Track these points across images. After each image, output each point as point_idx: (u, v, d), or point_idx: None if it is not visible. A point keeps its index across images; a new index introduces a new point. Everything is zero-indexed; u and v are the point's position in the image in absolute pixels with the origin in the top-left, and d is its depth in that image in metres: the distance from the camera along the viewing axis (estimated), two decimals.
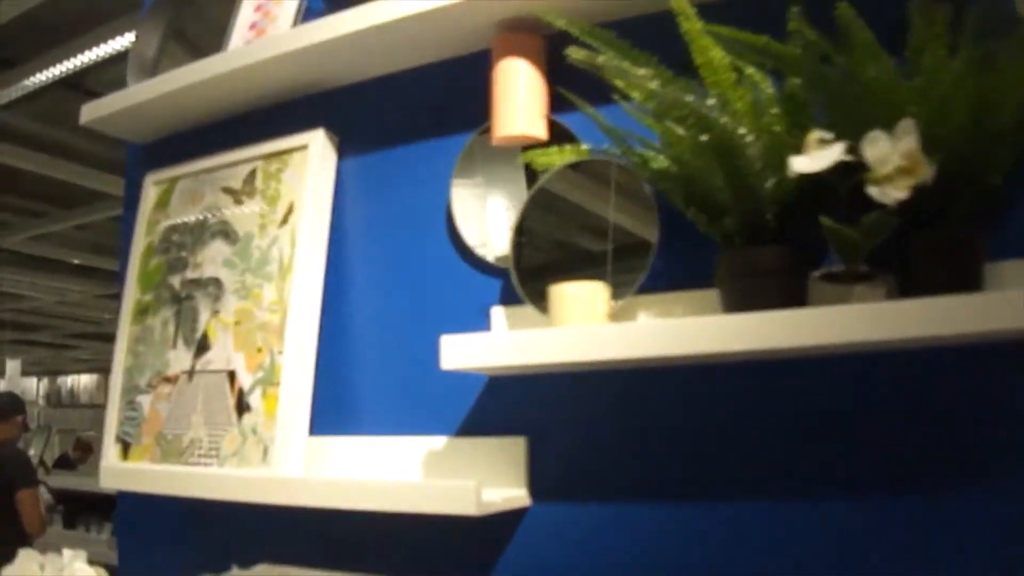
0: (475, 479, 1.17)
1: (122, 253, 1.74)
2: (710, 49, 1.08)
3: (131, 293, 1.65)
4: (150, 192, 1.69)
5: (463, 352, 1.17)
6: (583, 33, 1.17)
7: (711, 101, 1.07)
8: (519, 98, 1.30)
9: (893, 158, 0.97)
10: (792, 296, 1.07)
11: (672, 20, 1.12)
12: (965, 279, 1.01)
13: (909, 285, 1.04)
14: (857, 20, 1.02)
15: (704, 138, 1.05)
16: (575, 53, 1.11)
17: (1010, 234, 1.07)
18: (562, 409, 1.29)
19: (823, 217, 0.99)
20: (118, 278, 1.72)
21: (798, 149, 1.03)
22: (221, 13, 1.69)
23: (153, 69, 1.74)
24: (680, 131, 1.06)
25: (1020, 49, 0.97)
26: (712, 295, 1.18)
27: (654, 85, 1.07)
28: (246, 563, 1.48)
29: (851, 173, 1.00)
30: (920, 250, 1.03)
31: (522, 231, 1.29)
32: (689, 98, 1.04)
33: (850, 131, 1.02)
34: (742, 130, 1.04)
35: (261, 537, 1.51)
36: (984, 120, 0.99)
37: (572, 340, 1.11)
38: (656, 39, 1.16)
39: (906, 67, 1.03)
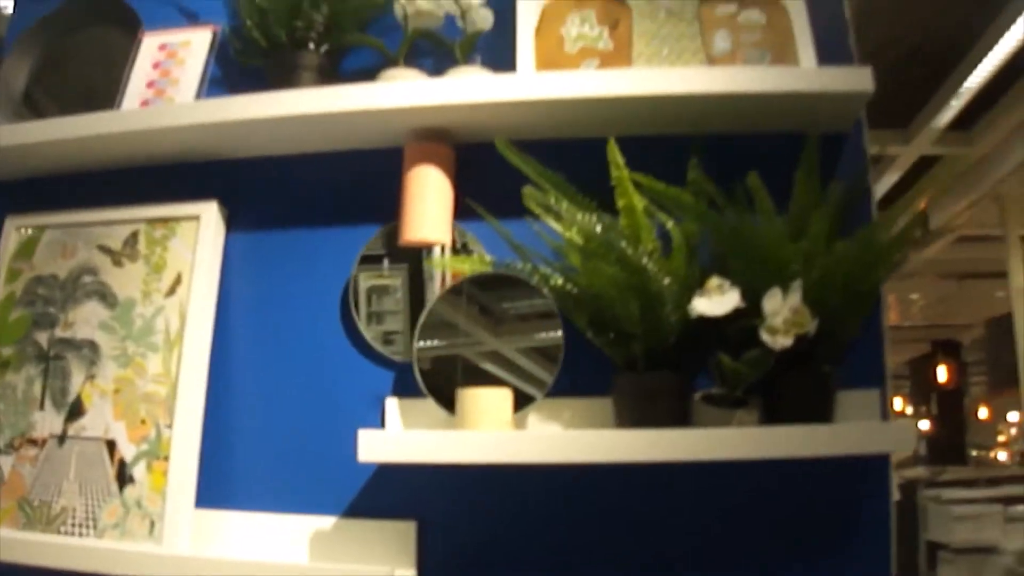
0: (367, 562, 1.29)
1: None
2: (632, 196, 1.27)
3: None
4: (11, 237, 1.67)
5: (379, 447, 1.29)
6: (532, 171, 1.32)
7: (637, 248, 1.25)
8: (428, 205, 1.42)
9: (784, 311, 1.20)
10: (680, 415, 1.29)
11: (574, 145, 1.38)
12: (822, 408, 1.28)
13: (774, 412, 1.28)
14: (761, 188, 1.23)
15: (632, 280, 1.23)
16: (530, 192, 1.27)
17: (852, 368, 1.34)
18: (452, 495, 1.43)
19: (723, 355, 1.20)
20: None
21: (694, 287, 1.23)
22: (100, 49, 1.71)
23: (22, 102, 1.72)
24: (607, 269, 1.23)
25: (886, 232, 1.23)
26: (594, 403, 1.38)
27: (598, 229, 1.24)
28: None
29: (739, 315, 1.21)
30: (787, 386, 1.27)
31: (426, 331, 1.42)
32: (623, 245, 1.22)
33: (737, 276, 1.23)
34: (666, 278, 1.22)
35: None
36: (853, 288, 1.23)
37: (487, 444, 1.26)
38: (557, 161, 1.37)
39: (789, 222, 1.26)
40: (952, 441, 8.75)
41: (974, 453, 9.20)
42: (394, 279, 1.51)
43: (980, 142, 4.44)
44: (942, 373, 9.06)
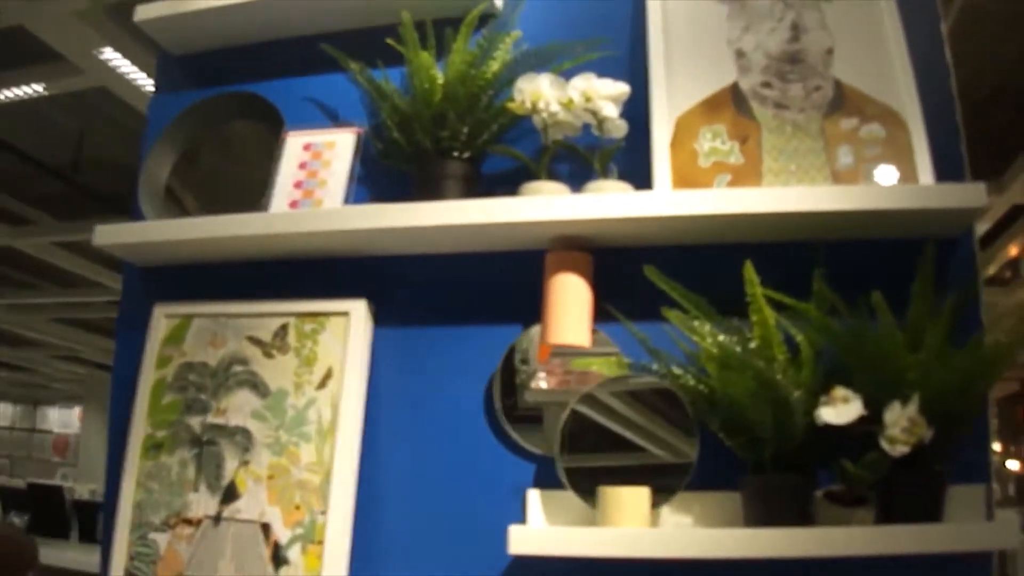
0: None
1: (119, 380, 1.86)
2: (766, 312, 1.40)
3: (140, 427, 1.77)
4: (160, 324, 1.82)
5: (528, 541, 1.43)
6: (672, 290, 1.45)
7: (771, 365, 1.37)
8: (569, 310, 1.55)
9: (902, 421, 1.32)
10: (804, 513, 1.42)
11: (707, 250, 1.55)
12: (933, 506, 1.40)
13: (891, 509, 1.41)
14: (884, 305, 1.36)
15: (766, 393, 1.36)
16: (674, 316, 1.40)
17: (960, 464, 1.46)
18: None
19: (845, 461, 1.34)
20: (113, 405, 1.84)
21: (818, 392, 1.37)
22: (243, 145, 1.86)
23: (166, 197, 1.87)
24: (743, 381, 1.36)
25: (994, 351, 1.36)
26: (723, 498, 1.50)
27: (737, 349, 1.37)
28: None
29: (861, 422, 1.34)
30: (903, 486, 1.40)
31: (570, 429, 1.54)
32: (759, 363, 1.35)
33: (858, 383, 1.38)
34: (795, 390, 1.35)
35: None
36: (965, 397, 1.36)
37: (628, 540, 1.39)
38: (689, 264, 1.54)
39: (906, 329, 1.39)
40: None
41: None
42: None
43: None
44: None
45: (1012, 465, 9.39)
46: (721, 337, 1.42)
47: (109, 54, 4.36)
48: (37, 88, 4.73)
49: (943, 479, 1.40)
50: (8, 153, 5.52)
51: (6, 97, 4.89)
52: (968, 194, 1.45)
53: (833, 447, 1.39)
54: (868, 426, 1.34)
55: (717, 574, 1.50)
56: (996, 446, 9.92)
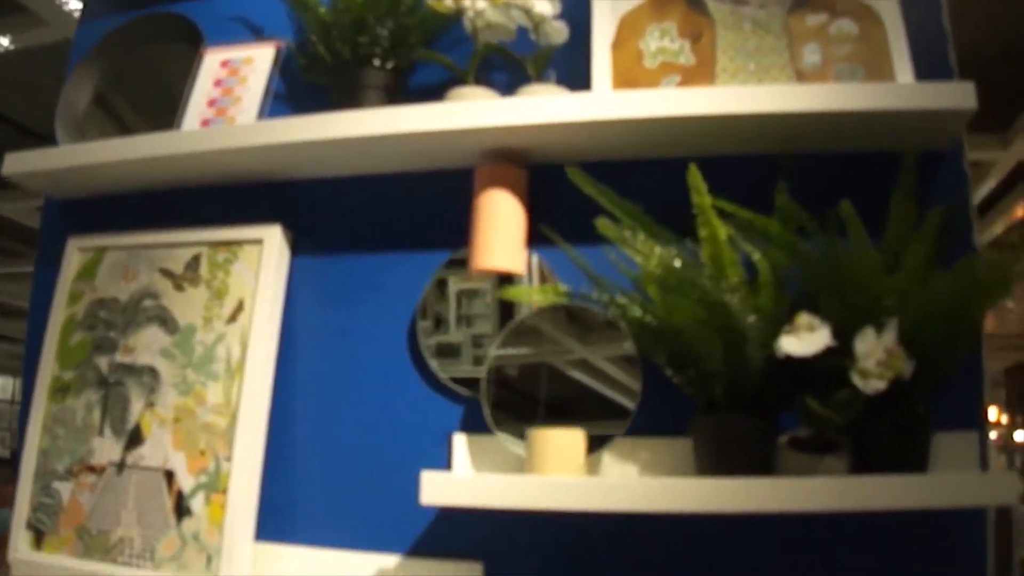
0: None
1: (33, 317, 1.67)
2: (716, 226, 1.17)
3: (48, 368, 1.58)
4: (73, 259, 1.62)
5: (444, 490, 1.20)
6: (601, 196, 1.22)
7: (720, 284, 1.14)
8: (500, 231, 1.34)
9: (877, 353, 1.08)
10: (764, 461, 1.18)
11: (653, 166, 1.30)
12: (916, 454, 1.15)
13: (866, 458, 1.17)
14: (855, 217, 1.13)
15: (714, 319, 1.13)
16: (605, 225, 1.17)
17: (949, 408, 1.23)
18: (521, 537, 1.34)
19: (811, 399, 1.09)
20: (28, 350, 1.65)
21: (781, 321, 1.13)
22: (164, 69, 1.66)
23: (83, 123, 1.68)
24: (687, 305, 1.13)
25: (988, 273, 1.11)
26: (674, 443, 1.28)
27: (677, 263, 1.14)
28: None
29: (829, 354, 1.10)
30: (880, 430, 1.16)
31: (497, 365, 1.33)
32: (706, 281, 1.12)
33: (827, 311, 1.14)
34: (750, 315, 1.12)
35: None
36: (952, 328, 1.12)
37: (557, 491, 1.16)
38: (635, 183, 1.28)
39: (883, 250, 1.15)
40: None
41: None
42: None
43: None
44: None
45: (1020, 436, 9.02)
46: (659, 249, 1.18)
47: (74, 4, 4.09)
48: (2, 41, 4.47)
49: (928, 424, 1.16)
50: None
51: None
52: (954, 94, 1.22)
53: (797, 385, 1.14)
54: (838, 359, 1.11)
55: (663, 531, 1.29)
56: (1004, 417, 9.62)
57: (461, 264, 1.42)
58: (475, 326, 1.41)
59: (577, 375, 1.32)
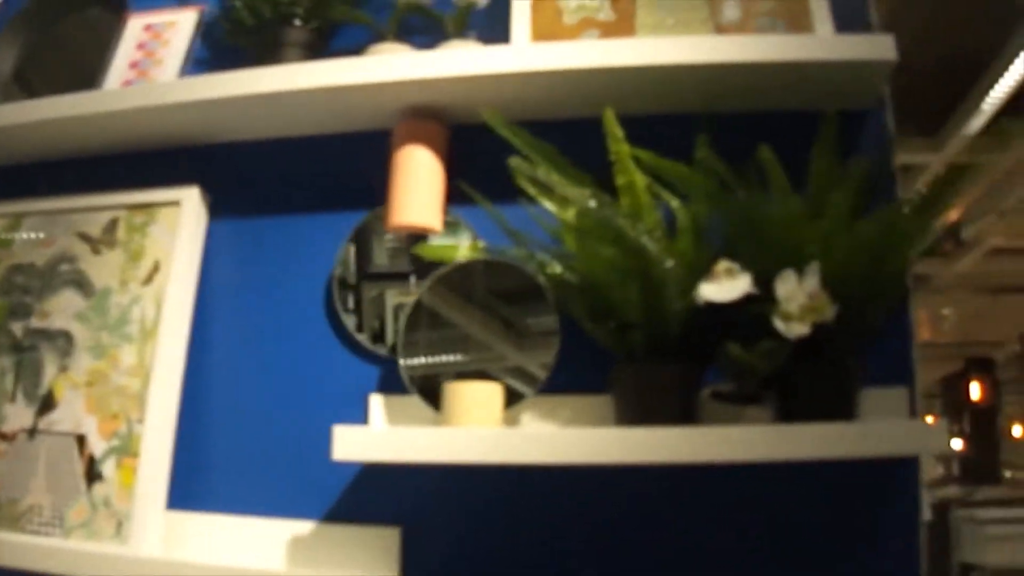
0: (348, 568, 1.17)
1: None
2: (633, 173, 1.14)
3: None
4: None
5: (357, 444, 1.15)
6: (522, 143, 1.19)
7: (636, 226, 1.11)
8: (418, 187, 1.30)
9: (800, 296, 1.05)
10: (685, 412, 1.14)
11: (574, 126, 1.24)
12: (843, 407, 1.11)
13: (791, 409, 1.13)
14: (774, 162, 1.10)
15: (630, 262, 1.09)
16: (517, 164, 1.14)
17: (878, 364, 1.19)
18: (439, 500, 1.30)
19: (732, 344, 1.05)
20: None
21: (702, 272, 1.10)
22: (91, 39, 1.61)
23: (10, 86, 1.63)
24: (604, 250, 1.10)
25: (914, 213, 1.09)
26: (594, 401, 1.24)
27: (591, 204, 1.11)
28: None
29: (750, 301, 1.07)
30: (805, 379, 1.12)
31: (412, 323, 1.29)
32: (621, 222, 1.09)
33: (750, 261, 1.10)
34: (666, 257, 1.09)
35: None
36: (876, 273, 1.09)
37: (474, 442, 1.12)
38: (556, 142, 1.23)
39: (807, 204, 1.12)
40: (985, 460, 8.43)
41: (1008, 474, 8.87)
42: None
43: (1014, 148, 4.24)
44: (975, 390, 8.70)
45: (956, 444, 9.03)
46: (573, 191, 1.14)
47: None
48: None
49: (855, 375, 1.13)
50: None
51: None
52: (873, 45, 1.20)
53: (719, 336, 1.09)
54: (760, 307, 1.07)
55: (584, 493, 1.26)
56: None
57: (378, 223, 1.38)
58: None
59: (494, 336, 1.28)
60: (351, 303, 1.37)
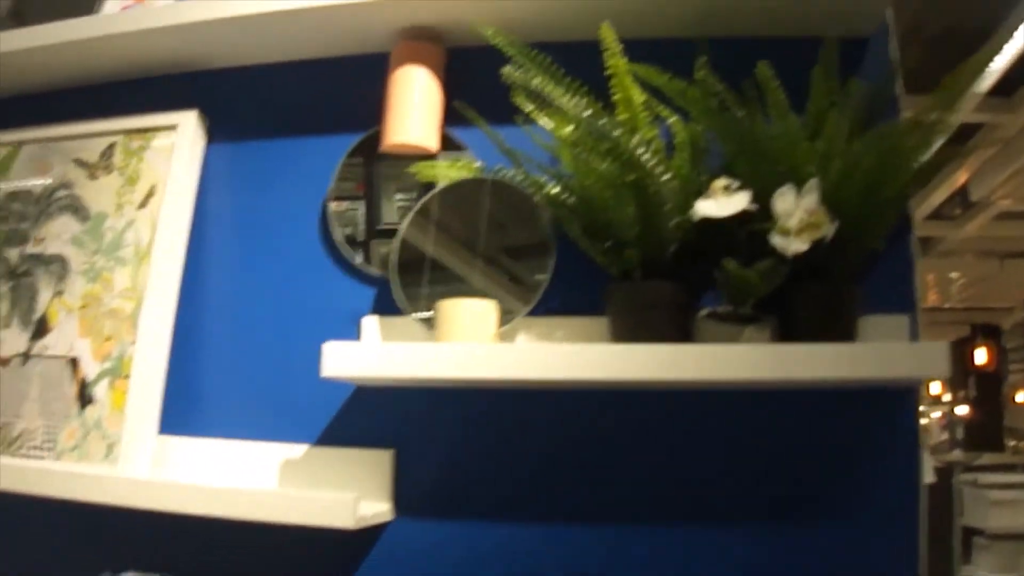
0: (341, 491, 1.15)
1: None
2: (630, 88, 1.10)
3: None
4: None
5: (348, 361, 1.13)
6: (517, 53, 1.15)
7: (632, 138, 1.07)
8: (414, 107, 1.27)
9: (798, 212, 1.02)
10: (681, 332, 1.12)
11: (573, 49, 1.18)
12: (842, 330, 1.08)
13: (790, 331, 1.10)
14: (772, 79, 1.06)
15: (626, 175, 1.06)
16: (510, 72, 1.10)
17: (878, 291, 1.16)
18: (432, 422, 1.27)
19: (728, 260, 1.02)
20: None
21: (699, 192, 1.07)
22: None
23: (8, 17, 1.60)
24: (599, 164, 1.07)
25: (910, 133, 1.05)
26: (590, 323, 1.21)
27: (585, 115, 1.07)
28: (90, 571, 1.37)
29: (748, 221, 1.04)
30: (804, 300, 1.09)
31: (407, 243, 1.26)
32: (616, 133, 1.06)
33: (748, 180, 1.06)
34: (662, 171, 1.06)
35: (106, 544, 1.37)
36: (874, 193, 1.05)
37: (467, 357, 1.09)
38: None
39: (806, 123, 1.09)
40: (990, 426, 8.41)
41: (1011, 443, 8.85)
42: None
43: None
44: (981, 355, 8.66)
45: (961, 411, 8.98)
46: (568, 100, 1.10)
47: None
48: None
49: (855, 297, 1.09)
50: None
51: None
52: None
53: (716, 255, 1.05)
54: (758, 225, 1.04)
55: (577, 413, 1.23)
56: (947, 395, 9.57)
57: (373, 145, 1.34)
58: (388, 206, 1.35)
59: (488, 255, 1.25)
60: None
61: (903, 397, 1.17)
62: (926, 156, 1.09)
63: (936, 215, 5.11)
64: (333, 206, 1.35)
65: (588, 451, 1.22)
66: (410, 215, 1.27)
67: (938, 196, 5.01)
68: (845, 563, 1.14)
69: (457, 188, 1.27)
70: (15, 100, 1.60)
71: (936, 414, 9.94)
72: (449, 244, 1.27)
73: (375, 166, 1.36)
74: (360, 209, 1.36)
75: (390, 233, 1.32)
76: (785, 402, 1.18)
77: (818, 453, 1.17)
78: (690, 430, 1.20)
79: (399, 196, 1.35)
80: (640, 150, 1.05)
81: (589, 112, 1.09)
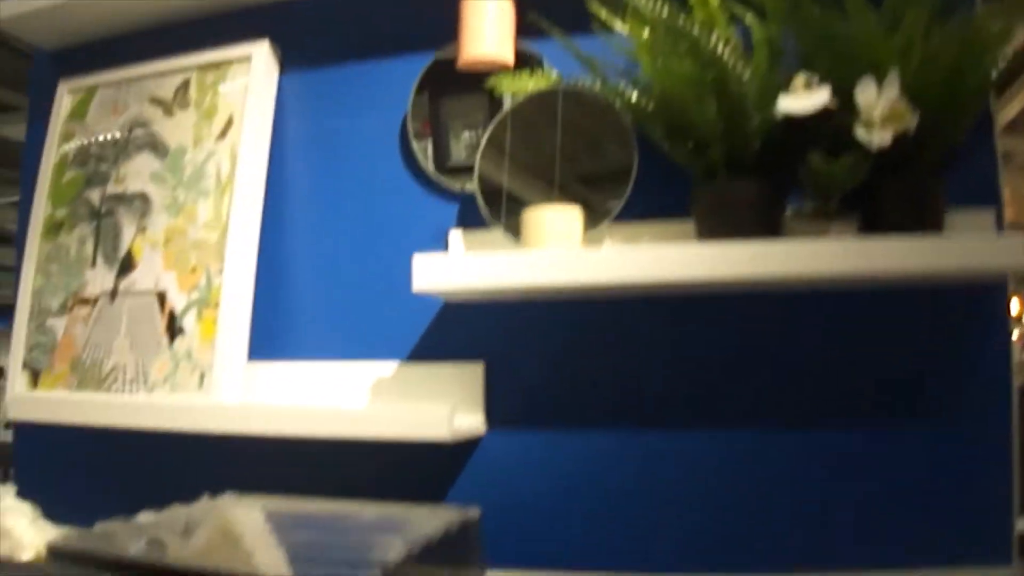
0: (434, 404, 1.14)
1: (26, 165, 1.60)
2: None
3: (40, 208, 1.51)
4: (64, 101, 1.55)
5: (438, 273, 1.11)
6: None
7: (710, 36, 1.04)
8: (489, 20, 1.24)
9: (880, 105, 0.99)
10: (768, 230, 1.08)
11: None
12: (929, 223, 1.05)
13: (875, 226, 1.07)
14: None
15: (706, 73, 1.03)
16: None
17: (963, 185, 1.12)
18: (521, 334, 1.26)
19: (814, 155, 0.99)
20: (22, 198, 1.58)
21: (778, 91, 1.04)
22: None
23: None
24: (679, 65, 1.04)
25: (990, 21, 1.01)
26: (676, 226, 1.19)
27: (664, 15, 1.04)
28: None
29: (829, 117, 1.01)
30: (890, 195, 1.06)
31: (489, 156, 1.24)
32: (697, 33, 1.03)
33: (827, 77, 1.03)
34: (742, 69, 1.03)
35: (202, 471, 1.38)
36: (955, 84, 1.02)
37: (552, 264, 1.07)
38: None
39: (883, 17, 1.05)
40: None
41: None
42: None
43: None
44: None
45: None
46: (645, 2, 1.07)
47: None
48: None
49: (939, 189, 1.06)
50: None
51: None
52: None
53: (800, 152, 1.03)
54: (840, 120, 1.00)
55: (665, 321, 1.21)
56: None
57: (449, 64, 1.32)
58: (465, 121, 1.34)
59: (572, 163, 1.22)
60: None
61: (992, 295, 1.13)
62: (1007, 45, 1.05)
63: (1012, 127, 4.88)
64: (413, 125, 1.33)
65: (675, 358, 1.20)
66: (491, 128, 1.24)
67: (1014, 108, 4.80)
68: (938, 461, 1.12)
69: (538, 98, 1.24)
70: (86, 47, 1.61)
71: (1015, 333, 9.65)
72: (532, 152, 1.24)
73: (441, 103, 1.34)
74: (428, 148, 1.34)
75: (459, 171, 1.30)
76: (874, 302, 1.15)
77: (909, 353, 1.15)
78: (781, 332, 1.17)
79: (466, 133, 1.32)
80: (721, 48, 1.02)
81: (666, 13, 1.05)
